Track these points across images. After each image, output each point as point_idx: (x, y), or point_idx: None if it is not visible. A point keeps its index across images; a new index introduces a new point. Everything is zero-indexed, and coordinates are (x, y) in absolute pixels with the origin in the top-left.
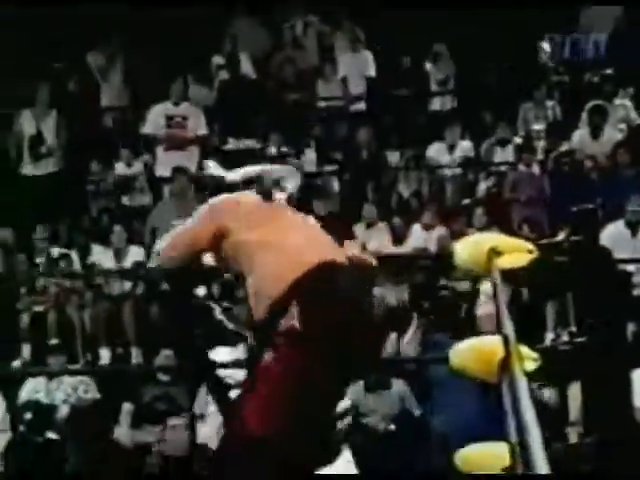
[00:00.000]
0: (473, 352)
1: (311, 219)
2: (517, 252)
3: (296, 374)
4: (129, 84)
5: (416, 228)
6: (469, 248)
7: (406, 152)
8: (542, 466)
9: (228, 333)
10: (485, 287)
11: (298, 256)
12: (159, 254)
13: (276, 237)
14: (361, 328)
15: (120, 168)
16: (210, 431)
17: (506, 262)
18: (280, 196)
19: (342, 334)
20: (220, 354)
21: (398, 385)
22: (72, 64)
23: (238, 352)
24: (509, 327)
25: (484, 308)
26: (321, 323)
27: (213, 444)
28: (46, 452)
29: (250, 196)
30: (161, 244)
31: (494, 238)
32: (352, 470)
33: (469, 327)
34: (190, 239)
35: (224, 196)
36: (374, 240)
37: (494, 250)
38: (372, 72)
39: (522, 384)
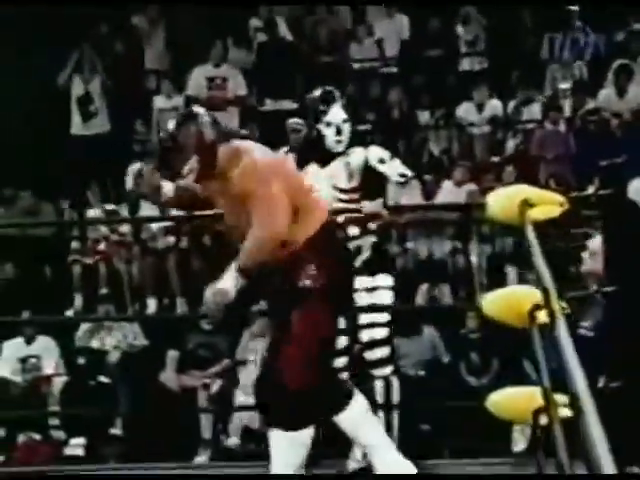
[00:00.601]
0: (504, 300)
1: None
2: (548, 204)
3: (324, 329)
4: (171, 47)
5: (447, 185)
6: (501, 201)
7: (436, 111)
8: (589, 404)
9: None
10: (592, 244)
11: (311, 212)
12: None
13: (299, 195)
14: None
15: (160, 101)
16: (250, 377)
17: (538, 214)
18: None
19: (350, 287)
20: None
21: (429, 331)
22: (117, 28)
23: None
24: (548, 279)
25: (589, 264)
26: (341, 278)
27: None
28: (98, 394)
29: (261, 152)
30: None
31: (526, 190)
32: (369, 416)
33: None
34: (285, 210)
35: (268, 160)
36: (405, 197)
37: (526, 202)
38: (407, 35)
39: (564, 332)
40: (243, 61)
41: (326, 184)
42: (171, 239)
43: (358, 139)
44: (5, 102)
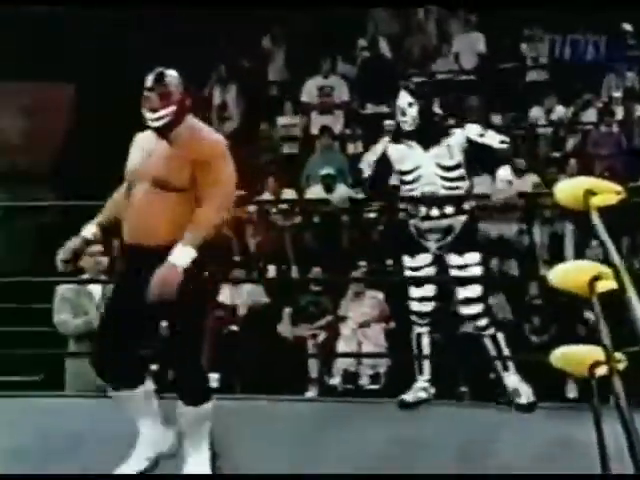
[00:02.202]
0: (568, 272)
1: None
2: (609, 193)
3: None
4: (290, 62)
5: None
6: (568, 189)
7: (507, 114)
8: None
9: (414, 244)
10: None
11: None
12: None
13: None
14: None
15: (282, 120)
16: (349, 330)
17: (600, 201)
18: None
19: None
20: (407, 261)
21: (498, 297)
22: (246, 48)
23: (420, 260)
24: (615, 255)
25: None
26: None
27: (353, 340)
28: (230, 341)
29: None
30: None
31: (588, 181)
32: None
33: None
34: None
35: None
36: (478, 186)
37: (589, 191)
38: (482, 49)
39: (634, 297)
40: (349, 73)
41: (432, 164)
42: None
43: (433, 122)
44: None
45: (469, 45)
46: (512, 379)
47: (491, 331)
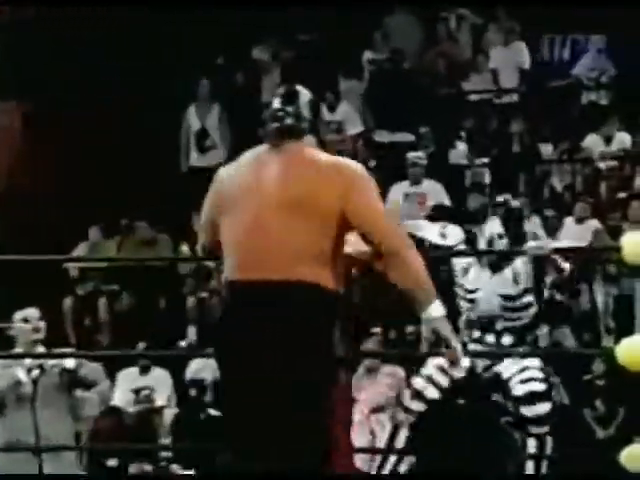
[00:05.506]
0: None
1: None
2: None
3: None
4: (287, 80)
5: (569, 221)
6: (639, 242)
7: (560, 144)
8: None
9: None
10: None
11: None
12: None
13: None
14: None
15: None
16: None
17: None
18: None
19: None
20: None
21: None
22: (236, 60)
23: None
24: None
25: None
26: None
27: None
28: (210, 428)
29: None
30: None
31: None
32: None
33: None
34: None
35: None
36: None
37: None
38: (526, 64)
39: None
40: (354, 89)
41: (494, 290)
42: None
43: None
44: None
45: (510, 59)
46: None
47: (543, 429)
